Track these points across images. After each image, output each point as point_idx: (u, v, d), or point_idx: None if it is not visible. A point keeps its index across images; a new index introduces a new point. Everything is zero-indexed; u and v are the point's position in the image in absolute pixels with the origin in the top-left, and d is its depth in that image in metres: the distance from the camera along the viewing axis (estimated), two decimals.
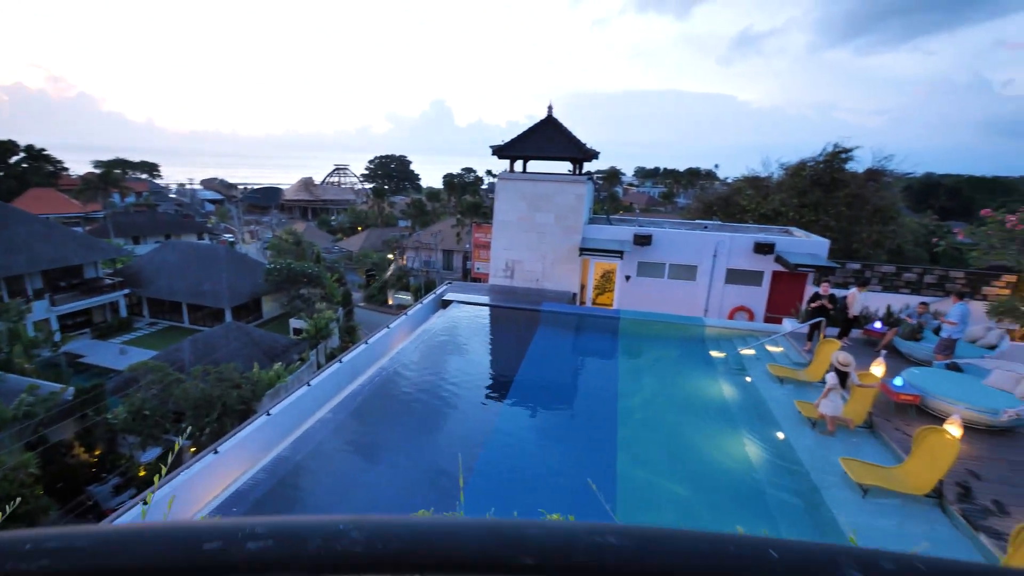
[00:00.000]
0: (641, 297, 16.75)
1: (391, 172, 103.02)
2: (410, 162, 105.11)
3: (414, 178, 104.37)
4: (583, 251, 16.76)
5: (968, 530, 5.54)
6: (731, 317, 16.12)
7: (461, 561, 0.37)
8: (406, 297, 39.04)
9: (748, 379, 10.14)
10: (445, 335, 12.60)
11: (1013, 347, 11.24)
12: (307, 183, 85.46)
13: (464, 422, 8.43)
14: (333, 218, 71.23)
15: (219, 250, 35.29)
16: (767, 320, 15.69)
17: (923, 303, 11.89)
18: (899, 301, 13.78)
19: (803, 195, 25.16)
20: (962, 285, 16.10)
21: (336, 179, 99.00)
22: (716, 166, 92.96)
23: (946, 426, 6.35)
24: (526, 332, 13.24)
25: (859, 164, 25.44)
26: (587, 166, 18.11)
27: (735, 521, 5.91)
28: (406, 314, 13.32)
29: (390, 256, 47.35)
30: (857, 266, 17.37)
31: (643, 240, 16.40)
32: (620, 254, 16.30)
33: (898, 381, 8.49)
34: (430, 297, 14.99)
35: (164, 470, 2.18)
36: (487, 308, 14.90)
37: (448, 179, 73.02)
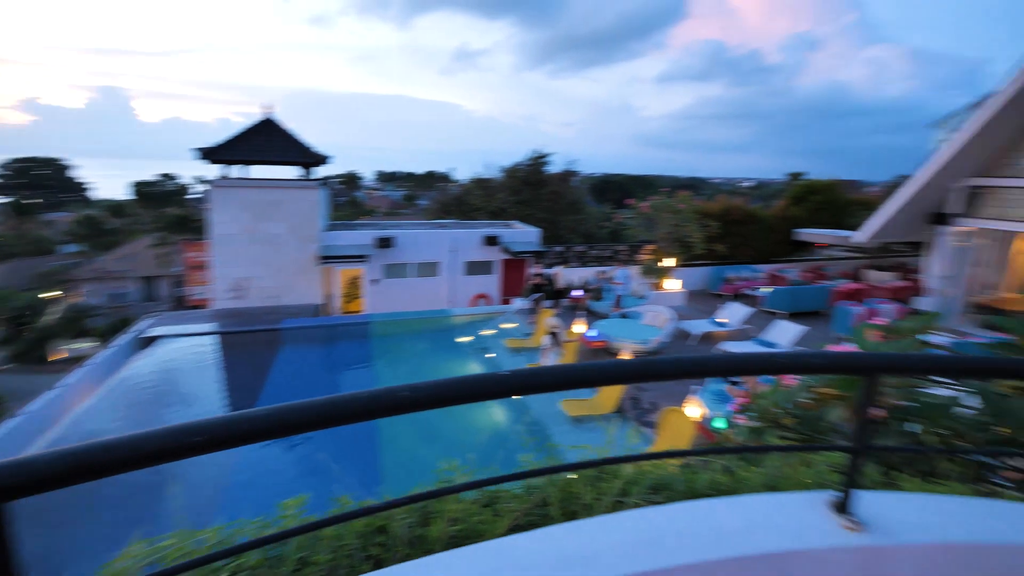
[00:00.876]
0: (391, 298, 16.88)
1: (42, 181, 74.85)
2: (70, 166, 78.54)
3: (79, 188, 78.50)
4: (324, 259, 15.81)
5: (638, 428, 7.63)
6: (473, 304, 17.85)
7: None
8: (88, 345, 29.43)
9: (491, 355, 11.46)
10: (152, 381, 10.06)
11: (656, 295, 15.89)
12: None
13: (190, 481, 6.91)
14: None
15: None
16: (502, 302, 17.99)
17: (601, 271, 15.63)
18: (590, 273, 17.74)
19: (518, 193, 29.70)
20: (625, 255, 21.81)
21: None
22: (452, 169, 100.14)
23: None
24: (266, 355, 11.73)
25: (556, 167, 31.59)
26: (322, 171, 17.08)
27: (487, 471, 6.63)
28: (87, 365, 10.07)
29: (52, 294, 34.75)
30: (561, 249, 21.54)
31: (385, 243, 16.51)
32: (364, 258, 16.04)
33: (592, 333, 10.98)
34: (123, 338, 11.71)
35: None
36: (211, 337, 12.54)
37: (140, 188, 57.84)
